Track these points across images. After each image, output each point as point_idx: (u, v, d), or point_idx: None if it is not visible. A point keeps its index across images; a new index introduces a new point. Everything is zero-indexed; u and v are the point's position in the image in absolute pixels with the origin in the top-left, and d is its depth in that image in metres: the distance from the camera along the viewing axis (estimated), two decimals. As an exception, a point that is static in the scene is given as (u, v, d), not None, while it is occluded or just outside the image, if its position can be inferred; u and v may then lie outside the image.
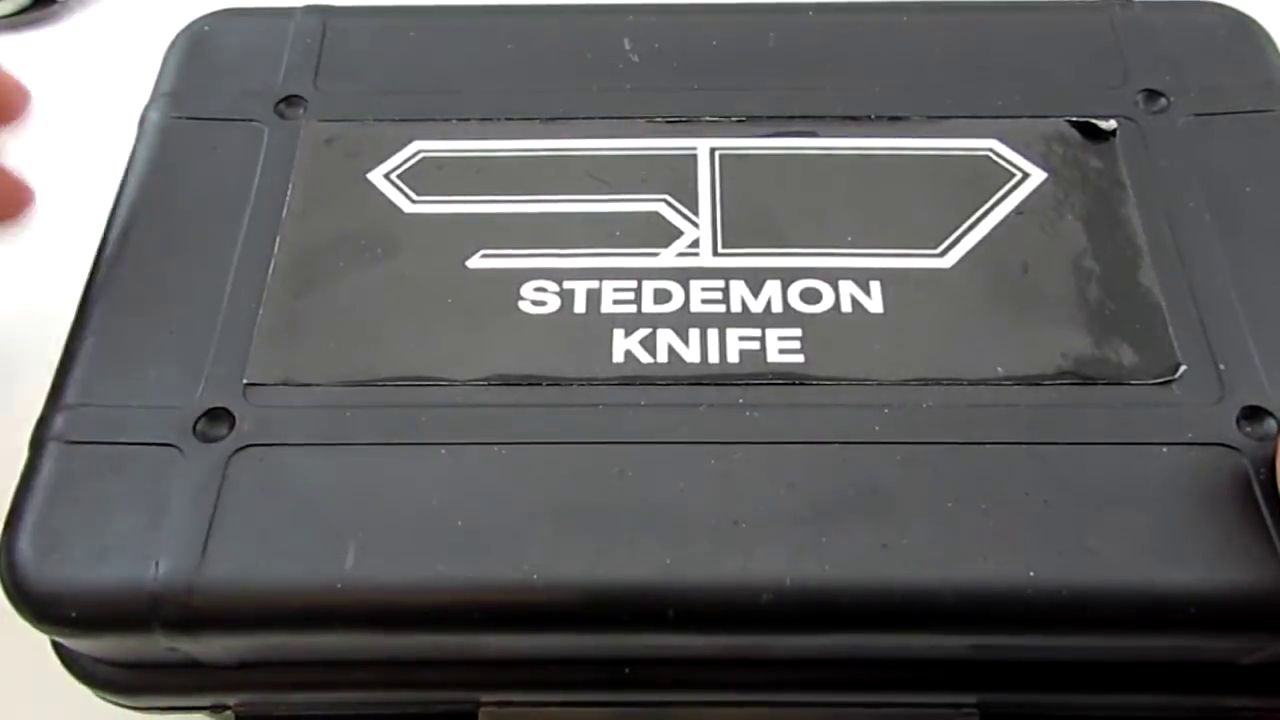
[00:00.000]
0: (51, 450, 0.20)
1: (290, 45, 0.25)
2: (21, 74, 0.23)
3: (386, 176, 0.23)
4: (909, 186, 0.23)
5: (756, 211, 0.22)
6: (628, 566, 0.19)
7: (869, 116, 0.23)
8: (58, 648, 0.20)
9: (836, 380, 0.20)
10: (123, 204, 0.23)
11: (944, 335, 0.21)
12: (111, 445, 0.20)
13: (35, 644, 0.20)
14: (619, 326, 0.21)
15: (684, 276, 0.22)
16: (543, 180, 0.23)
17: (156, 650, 0.19)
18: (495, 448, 0.20)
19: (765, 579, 0.18)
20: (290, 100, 0.24)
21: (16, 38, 0.34)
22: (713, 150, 0.23)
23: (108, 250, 0.22)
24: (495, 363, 0.20)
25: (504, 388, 0.20)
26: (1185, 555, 0.19)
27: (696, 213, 0.22)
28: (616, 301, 0.21)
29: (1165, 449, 0.19)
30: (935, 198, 0.22)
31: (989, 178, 0.23)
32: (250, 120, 0.24)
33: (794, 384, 0.20)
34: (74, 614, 0.18)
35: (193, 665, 0.20)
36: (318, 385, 0.20)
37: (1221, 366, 0.20)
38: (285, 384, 0.20)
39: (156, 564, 0.18)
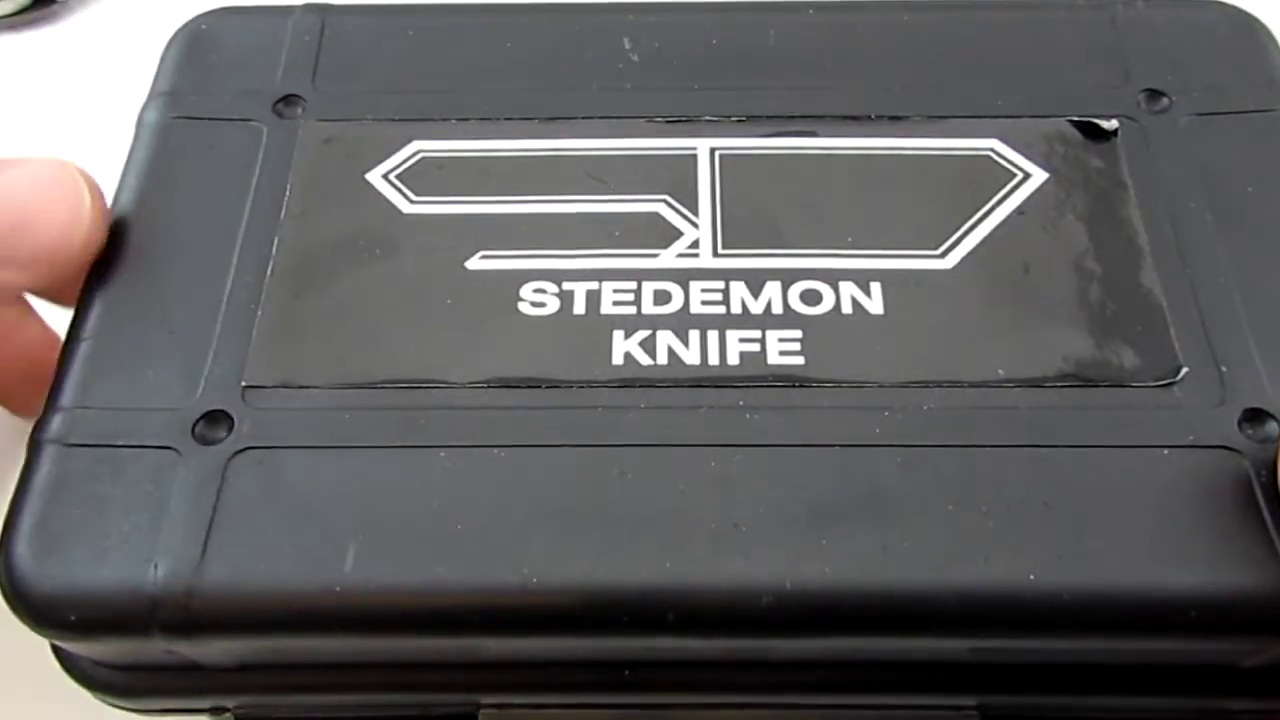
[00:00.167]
0: (49, 453, 0.20)
1: (289, 44, 0.25)
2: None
3: (385, 177, 0.23)
4: (910, 187, 0.23)
5: (756, 212, 0.22)
6: (627, 570, 0.18)
7: (869, 116, 0.23)
8: (57, 650, 0.20)
9: (837, 382, 0.20)
10: (120, 205, 0.22)
11: (944, 337, 0.21)
12: (110, 448, 0.20)
13: (35, 644, 0.20)
14: (619, 328, 0.21)
15: (684, 277, 0.21)
16: (542, 180, 0.23)
17: (155, 653, 0.19)
18: (494, 450, 0.20)
19: (765, 582, 0.18)
20: (288, 100, 0.24)
21: (16, 38, 0.34)
22: (713, 150, 0.23)
23: (105, 251, 0.22)
24: (495, 365, 0.20)
25: (503, 390, 0.20)
26: (1186, 558, 0.18)
27: (696, 213, 0.22)
28: (616, 303, 0.21)
29: (1166, 452, 0.19)
30: (936, 198, 0.22)
31: (990, 178, 0.23)
32: (249, 120, 0.23)
33: (794, 386, 0.20)
34: (72, 617, 0.18)
35: (192, 668, 0.20)
36: (317, 388, 0.20)
37: (1223, 368, 0.20)
38: (284, 386, 0.20)
39: (155, 567, 0.18)
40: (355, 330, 0.21)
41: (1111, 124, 0.23)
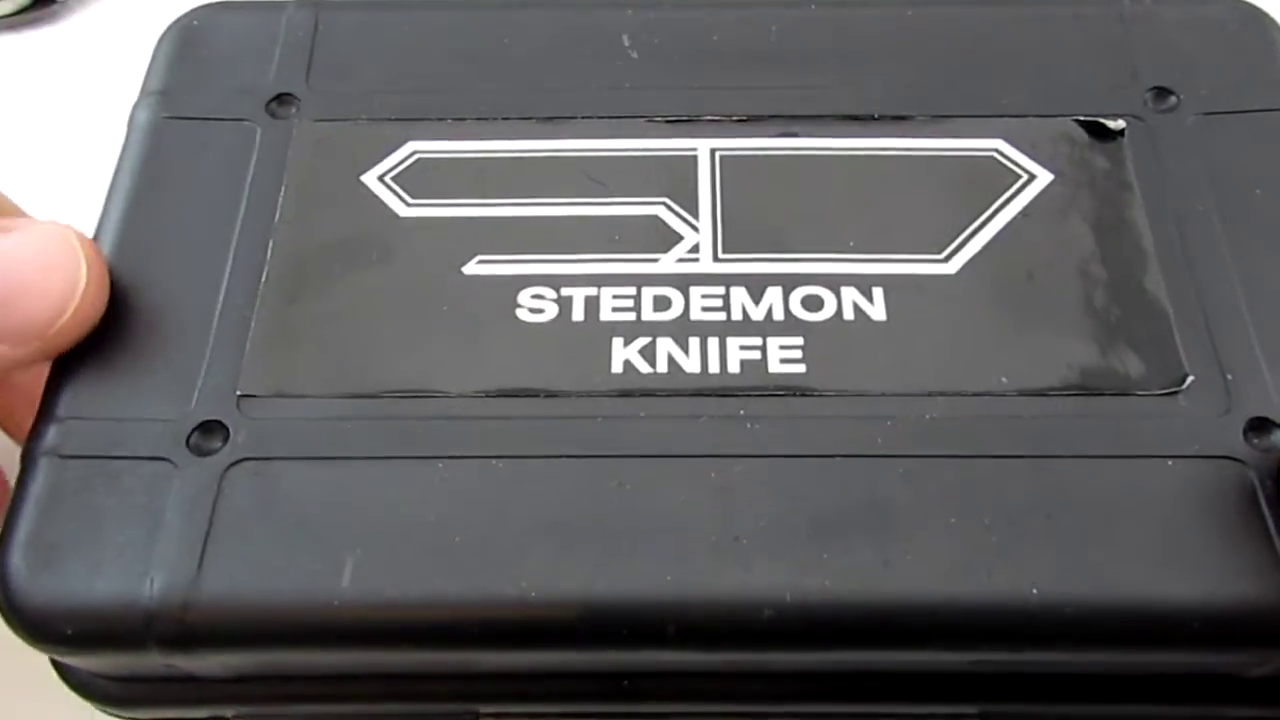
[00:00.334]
0: (43, 465, 0.19)
1: (282, 41, 0.24)
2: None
3: (381, 179, 0.22)
4: (913, 188, 0.22)
5: (757, 215, 0.22)
6: (627, 583, 0.18)
7: (872, 116, 0.23)
8: (54, 660, 0.20)
9: (839, 392, 0.20)
10: (112, 208, 0.22)
11: (948, 345, 0.20)
12: (104, 459, 0.19)
13: (34, 653, 0.20)
14: (618, 335, 0.21)
15: (684, 283, 0.21)
16: (540, 182, 0.22)
17: (153, 666, 0.19)
18: (493, 461, 0.19)
19: (766, 595, 0.18)
20: (282, 99, 0.23)
21: (16, 38, 0.34)
22: (713, 151, 0.23)
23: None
24: (493, 374, 0.20)
25: (502, 400, 0.20)
26: (1191, 571, 0.18)
27: (697, 216, 0.22)
28: (615, 309, 0.21)
29: (1171, 463, 0.19)
30: (939, 200, 0.22)
31: (994, 179, 0.22)
32: (242, 120, 0.23)
33: (795, 395, 0.20)
34: (69, 632, 0.18)
35: (189, 679, 0.20)
36: (313, 397, 0.20)
37: (1228, 376, 0.20)
38: (280, 395, 0.20)
39: (151, 581, 0.18)
40: (351, 338, 0.21)
41: (1118, 124, 0.23)
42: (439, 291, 0.21)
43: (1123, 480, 0.19)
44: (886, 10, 0.24)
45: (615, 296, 0.21)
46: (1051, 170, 0.22)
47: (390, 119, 0.23)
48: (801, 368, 0.20)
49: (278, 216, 0.22)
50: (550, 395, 0.20)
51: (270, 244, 0.22)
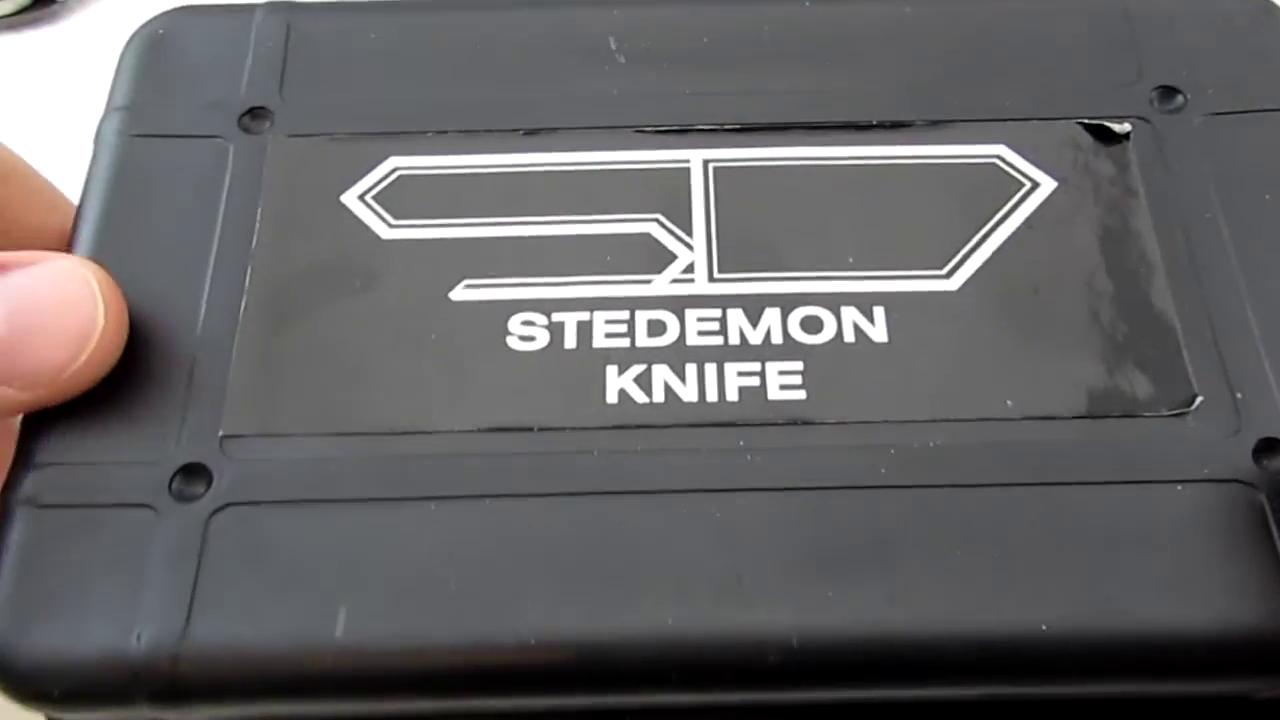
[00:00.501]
0: (21, 515, 0.19)
1: (253, 49, 0.23)
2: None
3: (361, 198, 0.22)
4: (913, 199, 0.22)
5: (753, 231, 0.21)
6: (627, 626, 0.18)
7: (870, 123, 0.22)
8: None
9: (840, 420, 0.19)
10: (81, 235, 0.21)
11: (951, 367, 0.20)
12: (84, 508, 0.19)
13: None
14: (612, 363, 0.20)
15: (679, 305, 0.21)
16: (526, 200, 0.22)
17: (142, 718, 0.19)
18: (486, 501, 0.19)
19: (771, 637, 0.18)
20: (255, 113, 0.22)
21: (16, 38, 0.33)
22: (705, 162, 0.22)
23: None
24: (484, 409, 0.20)
25: (494, 435, 0.19)
26: (1201, 599, 0.18)
27: (690, 234, 0.21)
28: (609, 335, 0.20)
29: (1180, 488, 0.19)
30: (940, 212, 0.21)
31: (997, 188, 0.22)
32: (213, 137, 0.22)
33: (796, 424, 0.19)
34: (55, 692, 0.18)
35: (181, 727, 0.19)
36: (298, 435, 0.19)
37: (1238, 395, 0.20)
38: (264, 435, 0.19)
39: (139, 636, 0.18)
40: (337, 372, 0.20)
41: (1123, 127, 0.22)
42: (427, 320, 0.20)
43: (1131, 508, 0.19)
44: (885, 8, 0.23)
45: (608, 321, 0.20)
46: (1055, 177, 0.22)
47: (369, 133, 0.22)
48: (802, 394, 0.20)
49: (255, 241, 0.21)
50: (544, 430, 0.19)
51: (249, 271, 0.21)
